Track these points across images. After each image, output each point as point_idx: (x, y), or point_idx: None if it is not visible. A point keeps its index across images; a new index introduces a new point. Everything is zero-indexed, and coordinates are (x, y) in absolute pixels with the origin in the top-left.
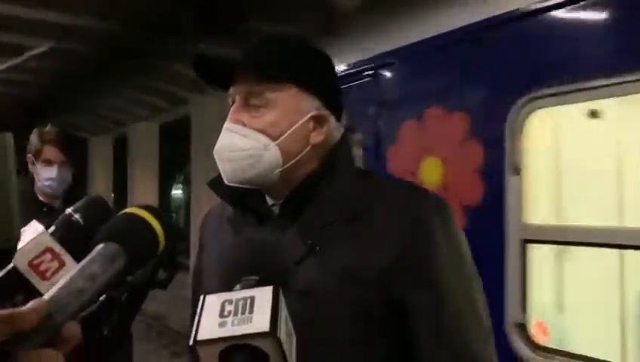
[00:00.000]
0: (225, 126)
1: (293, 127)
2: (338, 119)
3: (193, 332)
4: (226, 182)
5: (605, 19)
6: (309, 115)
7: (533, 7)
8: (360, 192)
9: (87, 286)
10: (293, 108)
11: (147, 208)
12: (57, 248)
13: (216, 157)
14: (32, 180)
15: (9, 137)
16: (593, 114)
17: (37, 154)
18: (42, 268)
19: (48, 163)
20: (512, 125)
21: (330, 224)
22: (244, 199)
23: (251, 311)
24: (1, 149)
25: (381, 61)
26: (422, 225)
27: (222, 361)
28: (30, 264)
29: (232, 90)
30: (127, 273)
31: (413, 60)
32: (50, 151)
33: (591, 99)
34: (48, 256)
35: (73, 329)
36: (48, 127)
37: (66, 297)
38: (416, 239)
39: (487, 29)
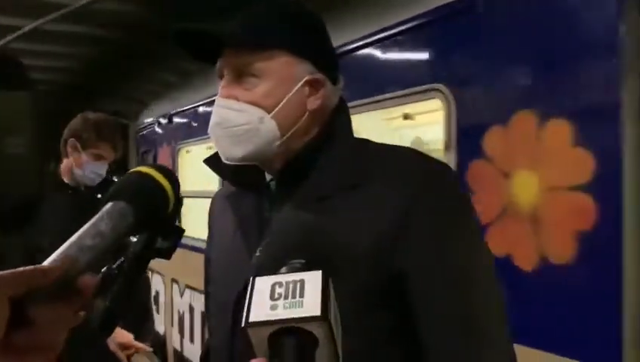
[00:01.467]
0: (216, 102)
1: (288, 95)
2: (334, 82)
3: (244, 314)
4: (223, 160)
5: None
6: (303, 81)
7: None
8: (359, 160)
9: (95, 243)
10: (286, 76)
11: (158, 167)
12: None
13: (211, 135)
14: (59, 161)
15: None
16: None
17: (87, 145)
18: None
19: (99, 158)
20: None
21: (326, 197)
22: (242, 175)
23: (302, 295)
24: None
25: None
26: (424, 189)
27: (271, 343)
28: None
29: (219, 63)
30: (137, 231)
31: None
32: (106, 149)
33: None
34: None
35: (88, 281)
36: (103, 117)
37: (76, 253)
38: (418, 205)
39: None
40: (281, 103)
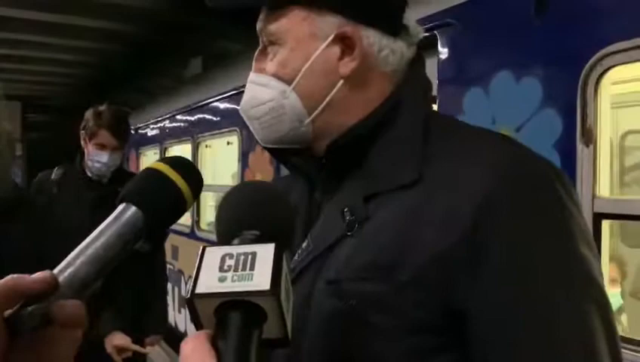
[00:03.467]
0: (248, 78)
1: (310, 60)
2: (392, 31)
3: (191, 284)
4: (261, 144)
5: None
6: (329, 40)
7: None
8: (422, 148)
9: (100, 254)
10: (304, 36)
11: (172, 163)
12: None
13: (243, 116)
14: (82, 155)
15: None
16: None
17: (91, 136)
18: None
19: (101, 147)
20: None
21: (377, 194)
22: (288, 157)
23: (252, 268)
24: None
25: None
26: (501, 201)
27: (217, 315)
28: None
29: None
30: (146, 237)
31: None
32: (104, 136)
33: None
34: None
35: (67, 310)
36: (104, 108)
37: (79, 265)
38: (494, 218)
39: None
40: (302, 71)
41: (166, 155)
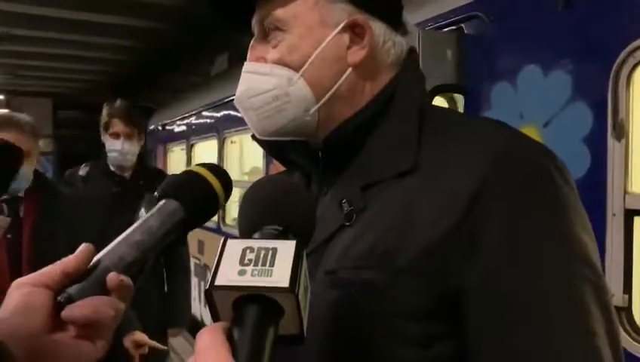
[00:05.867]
0: (243, 68)
1: (321, 47)
2: (394, 26)
3: (211, 275)
4: (257, 136)
5: None
6: (340, 27)
7: None
8: (417, 137)
9: (144, 239)
10: (314, 23)
11: (209, 166)
12: None
13: (237, 106)
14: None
15: None
16: None
17: (106, 128)
18: None
19: (115, 136)
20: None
21: (374, 183)
22: (285, 150)
23: (272, 264)
24: None
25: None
26: (495, 186)
27: (235, 308)
28: None
29: (252, 22)
30: (185, 229)
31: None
32: (117, 125)
33: None
34: None
35: (114, 278)
36: (118, 102)
37: (124, 248)
38: (488, 201)
39: None
40: (312, 57)
41: (192, 151)
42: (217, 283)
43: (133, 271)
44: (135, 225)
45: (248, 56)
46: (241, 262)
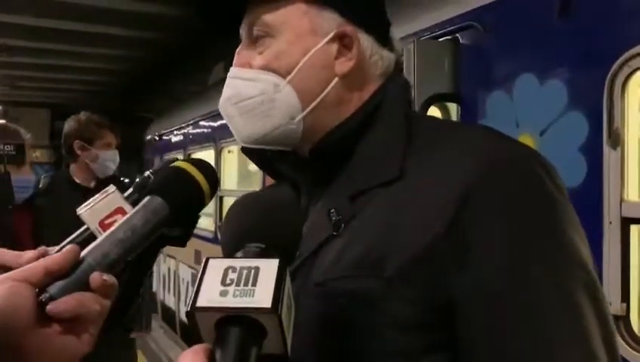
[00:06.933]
0: (228, 74)
1: (309, 55)
2: (382, 41)
3: (192, 296)
4: (240, 143)
5: None
6: (329, 37)
7: None
8: (404, 145)
9: (127, 236)
10: (304, 30)
11: (195, 163)
12: (128, 208)
13: (221, 112)
14: (66, 163)
15: None
16: None
17: (93, 139)
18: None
19: (108, 146)
20: None
21: (362, 192)
22: (273, 163)
23: (254, 284)
24: None
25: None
26: (483, 193)
27: (217, 329)
28: (101, 223)
29: (240, 29)
30: (170, 225)
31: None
32: (109, 136)
33: None
34: (119, 216)
35: (97, 278)
36: (90, 114)
37: (108, 246)
38: (475, 206)
39: None
40: (299, 64)
41: None
42: (199, 304)
43: (117, 269)
44: (119, 222)
45: (234, 61)
46: (223, 283)
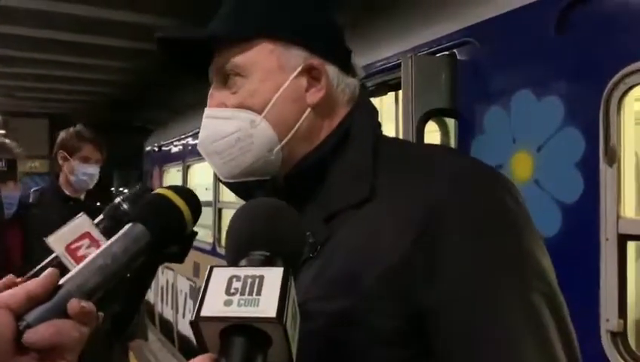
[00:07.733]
0: (204, 113)
1: (281, 90)
2: (345, 69)
3: (197, 305)
4: (222, 179)
5: None
6: (297, 71)
7: None
8: (373, 167)
9: (107, 263)
10: (273, 68)
11: (176, 190)
12: (96, 234)
13: (201, 152)
14: (56, 175)
15: None
16: None
17: (73, 151)
18: (80, 253)
19: (86, 159)
20: None
21: (334, 215)
22: (251, 191)
23: (259, 293)
24: None
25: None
26: (449, 209)
27: (222, 338)
28: (67, 248)
29: (209, 72)
30: (151, 252)
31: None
32: (88, 150)
33: None
34: (86, 241)
35: (75, 305)
36: (81, 126)
37: (86, 274)
38: (441, 226)
39: None
40: (273, 100)
41: (188, 172)
42: (203, 314)
43: (97, 297)
44: (100, 249)
45: (208, 103)
46: (227, 292)
